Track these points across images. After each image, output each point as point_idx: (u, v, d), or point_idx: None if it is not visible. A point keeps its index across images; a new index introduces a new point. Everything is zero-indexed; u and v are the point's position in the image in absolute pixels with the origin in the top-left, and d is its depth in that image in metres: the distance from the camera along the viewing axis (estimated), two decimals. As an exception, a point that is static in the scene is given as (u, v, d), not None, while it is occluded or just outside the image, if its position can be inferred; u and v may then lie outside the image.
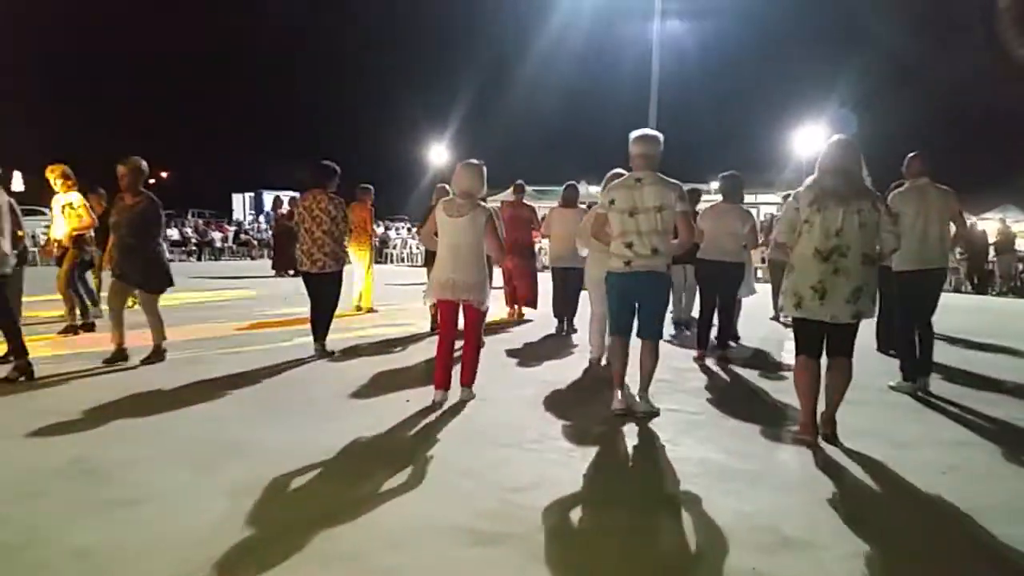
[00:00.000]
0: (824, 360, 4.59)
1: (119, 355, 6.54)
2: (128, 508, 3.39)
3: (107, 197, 9.39)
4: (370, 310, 10.85)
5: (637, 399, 5.24)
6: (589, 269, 6.78)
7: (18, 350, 5.86)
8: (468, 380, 5.54)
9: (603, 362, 6.71)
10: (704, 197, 12.51)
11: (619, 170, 5.63)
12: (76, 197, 8.11)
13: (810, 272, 4.43)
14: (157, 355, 6.67)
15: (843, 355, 4.56)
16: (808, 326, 4.54)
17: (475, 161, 5.46)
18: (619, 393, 5.24)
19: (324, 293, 7.19)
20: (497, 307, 9.45)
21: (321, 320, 7.28)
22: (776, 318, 10.37)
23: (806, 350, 4.58)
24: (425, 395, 5.50)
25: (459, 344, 5.61)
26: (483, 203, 5.40)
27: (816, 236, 4.40)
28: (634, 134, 5.13)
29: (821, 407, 4.61)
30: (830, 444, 4.51)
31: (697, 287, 8.67)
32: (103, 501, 3.47)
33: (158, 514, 3.33)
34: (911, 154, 6.15)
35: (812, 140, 25.42)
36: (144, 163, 6.63)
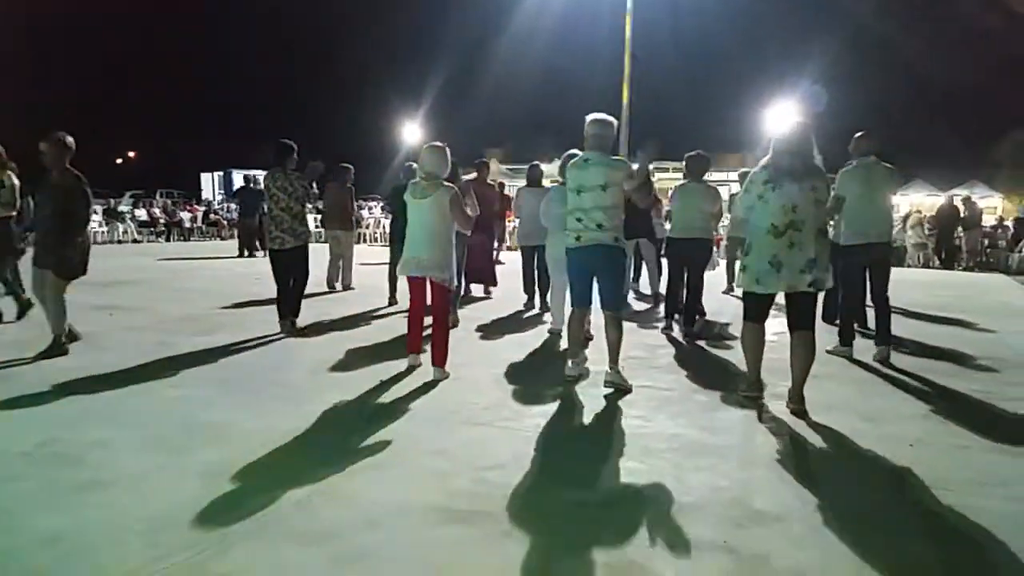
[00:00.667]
0: (776, 336, 4.73)
1: (69, 338, 6.26)
2: (98, 491, 3.36)
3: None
4: (347, 287, 10.90)
5: (608, 371, 5.33)
6: (548, 248, 7.00)
7: None
8: (440, 360, 5.57)
9: (563, 333, 6.78)
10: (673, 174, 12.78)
11: (575, 151, 5.89)
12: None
13: (766, 247, 4.68)
14: (55, 347, 6.08)
15: (805, 328, 4.75)
16: (760, 298, 4.83)
17: (439, 144, 5.68)
18: (570, 361, 5.61)
19: (286, 270, 7.17)
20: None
21: (286, 298, 7.24)
22: (730, 291, 10.70)
23: (754, 318, 4.92)
24: (396, 373, 5.56)
25: (428, 322, 5.67)
26: (447, 183, 5.60)
27: (772, 212, 4.66)
28: (589, 117, 5.36)
29: (772, 375, 4.75)
30: (799, 418, 4.61)
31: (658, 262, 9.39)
32: (73, 485, 3.43)
33: (129, 497, 3.31)
34: (858, 133, 6.46)
35: (784, 117, 25.54)
36: (70, 138, 6.04)
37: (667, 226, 8.25)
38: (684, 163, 7.83)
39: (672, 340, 7.23)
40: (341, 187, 11.14)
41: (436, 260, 5.48)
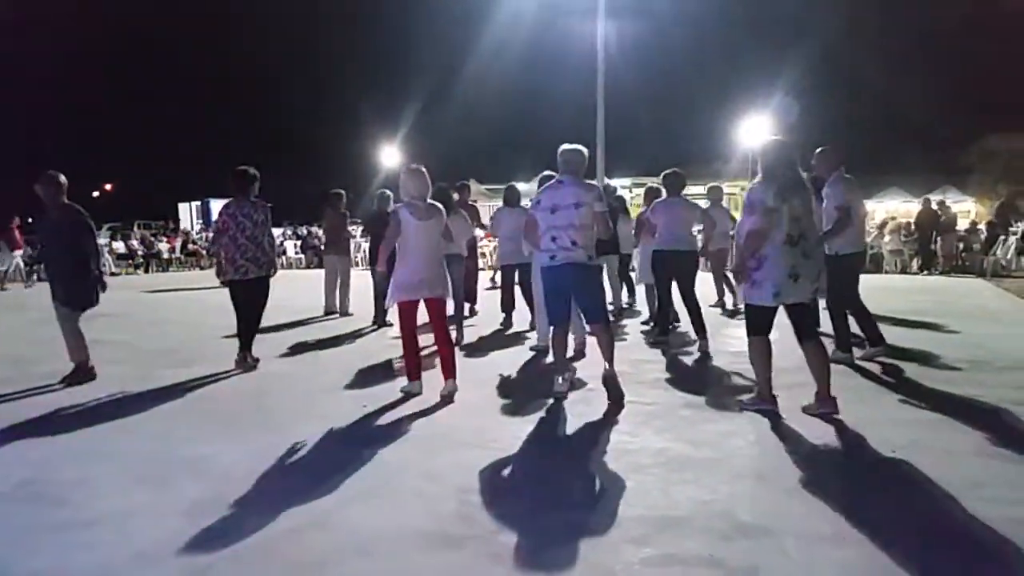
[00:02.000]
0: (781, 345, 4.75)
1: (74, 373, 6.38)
2: (81, 530, 3.32)
3: None
4: (344, 313, 10.88)
5: (604, 373, 5.47)
6: (533, 267, 7.18)
7: None
8: (451, 373, 5.70)
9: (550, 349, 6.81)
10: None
11: (550, 172, 6.41)
12: None
13: (784, 258, 4.76)
14: (78, 374, 6.35)
15: (814, 336, 4.97)
16: (774, 310, 4.89)
17: (418, 167, 5.83)
18: (559, 378, 5.66)
19: (248, 300, 6.93)
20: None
21: (248, 329, 7.00)
22: (721, 305, 10.74)
23: (763, 331, 4.94)
24: (380, 399, 5.55)
25: (424, 341, 5.88)
26: (438, 205, 5.90)
27: (786, 224, 4.74)
28: (562, 147, 5.62)
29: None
30: (835, 416, 4.80)
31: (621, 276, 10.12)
32: (55, 524, 3.39)
33: (113, 536, 3.26)
34: (824, 148, 6.66)
35: (757, 130, 25.81)
36: (62, 176, 6.32)
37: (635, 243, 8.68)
38: (662, 180, 8.00)
39: (659, 354, 7.26)
40: (336, 213, 11.14)
41: (439, 277, 5.70)
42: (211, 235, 29.26)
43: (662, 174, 7.99)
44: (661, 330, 7.98)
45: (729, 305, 10.63)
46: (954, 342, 7.70)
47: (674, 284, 7.79)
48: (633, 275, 10.91)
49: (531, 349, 7.62)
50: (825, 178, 6.47)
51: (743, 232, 4.95)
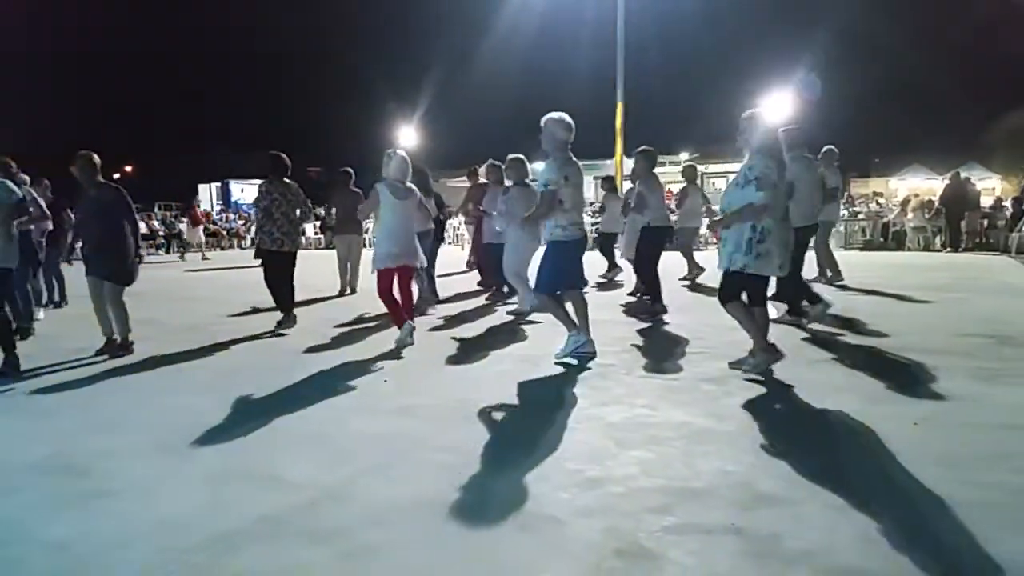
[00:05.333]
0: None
1: (110, 345, 6.58)
2: (105, 499, 3.36)
3: (50, 188, 9.34)
4: (353, 290, 10.96)
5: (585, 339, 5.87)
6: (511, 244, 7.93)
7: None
8: (411, 315, 6.84)
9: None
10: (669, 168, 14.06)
11: (520, 156, 7.84)
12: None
13: (783, 233, 5.13)
14: (124, 348, 6.60)
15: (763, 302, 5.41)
16: (767, 281, 5.31)
17: (402, 152, 6.74)
18: (573, 335, 5.90)
19: (282, 271, 7.75)
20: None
21: (284, 295, 7.83)
22: (689, 277, 11.34)
23: (760, 300, 5.32)
24: (398, 372, 5.62)
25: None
26: (413, 187, 6.82)
27: (781, 201, 5.13)
28: (565, 118, 5.78)
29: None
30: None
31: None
32: (80, 494, 3.43)
33: (136, 504, 3.30)
34: (794, 125, 7.28)
35: (779, 107, 25.46)
36: (94, 155, 6.51)
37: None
38: (640, 159, 8.56)
39: (680, 328, 7.24)
40: (346, 191, 11.05)
41: (413, 249, 6.70)
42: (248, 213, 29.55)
43: (640, 150, 8.58)
44: (656, 299, 8.24)
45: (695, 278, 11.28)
46: (978, 317, 7.60)
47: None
48: (617, 251, 11.68)
49: (512, 314, 8.27)
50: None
51: (743, 201, 5.04)
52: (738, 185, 5.11)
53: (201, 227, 22.71)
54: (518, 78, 52.24)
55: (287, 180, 7.78)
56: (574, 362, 5.74)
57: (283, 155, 7.79)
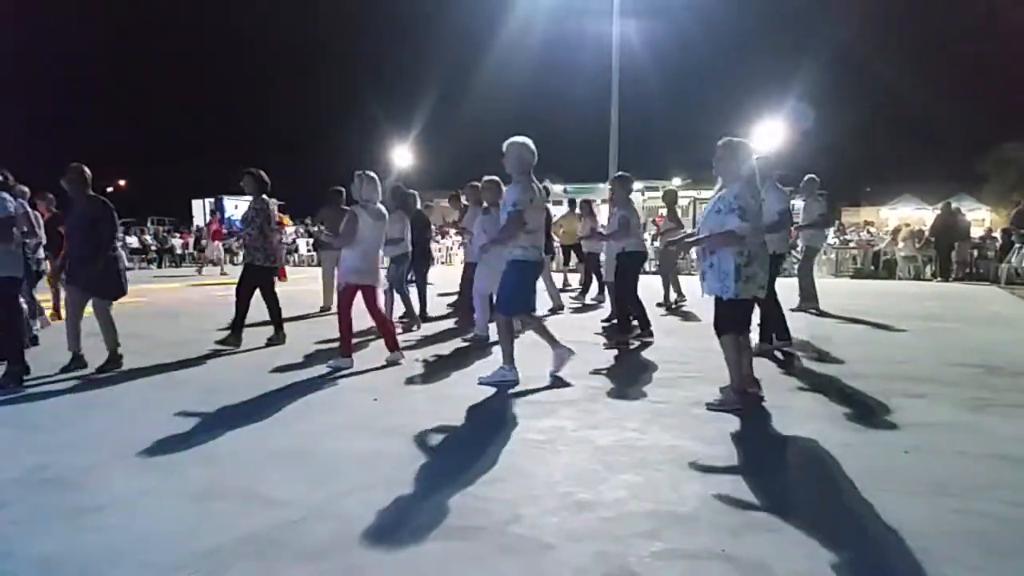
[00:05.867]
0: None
1: (77, 362, 6.47)
2: (91, 515, 3.33)
3: (55, 202, 9.54)
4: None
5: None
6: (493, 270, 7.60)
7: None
8: (395, 346, 6.85)
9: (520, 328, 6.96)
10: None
11: (495, 178, 7.52)
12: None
13: (761, 256, 5.07)
14: (112, 362, 6.53)
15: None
16: (752, 304, 5.23)
17: (368, 172, 6.78)
18: (557, 352, 6.12)
19: (269, 286, 8.07)
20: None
21: (275, 313, 8.09)
22: (666, 304, 11.28)
23: (745, 327, 5.21)
24: (390, 394, 5.58)
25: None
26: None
27: (760, 228, 5.11)
28: (527, 141, 5.88)
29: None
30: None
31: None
32: (65, 509, 3.41)
33: (122, 520, 3.28)
34: (764, 156, 7.32)
35: (771, 135, 25.66)
36: (85, 168, 6.51)
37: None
38: (617, 184, 8.41)
39: (669, 352, 7.23)
40: (336, 210, 11.02)
41: (377, 270, 6.80)
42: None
43: (617, 175, 8.60)
44: (644, 328, 8.15)
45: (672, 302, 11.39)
46: (967, 347, 7.64)
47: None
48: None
49: (468, 340, 8.15)
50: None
51: (723, 228, 4.97)
52: (718, 212, 5.02)
53: (220, 242, 22.70)
54: (514, 101, 52.65)
55: (265, 197, 8.05)
56: (493, 389, 5.75)
57: (263, 172, 8.00)
